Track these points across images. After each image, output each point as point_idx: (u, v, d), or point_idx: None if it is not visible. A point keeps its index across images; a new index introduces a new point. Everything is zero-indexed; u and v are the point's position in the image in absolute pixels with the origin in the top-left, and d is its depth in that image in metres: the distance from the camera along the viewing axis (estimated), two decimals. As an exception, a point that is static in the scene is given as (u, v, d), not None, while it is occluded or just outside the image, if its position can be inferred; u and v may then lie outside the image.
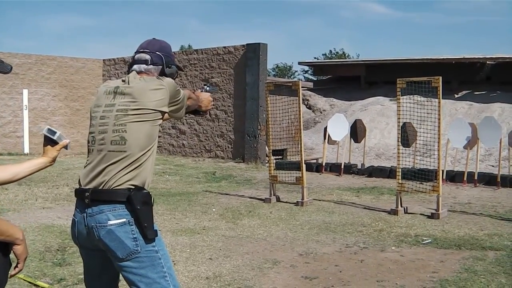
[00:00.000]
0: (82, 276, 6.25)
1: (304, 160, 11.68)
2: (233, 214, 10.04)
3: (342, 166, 15.93)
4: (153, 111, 3.35)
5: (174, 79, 3.68)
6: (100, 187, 3.30)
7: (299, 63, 32.34)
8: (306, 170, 12.01)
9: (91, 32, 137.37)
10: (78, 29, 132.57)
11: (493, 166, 16.44)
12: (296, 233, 8.62)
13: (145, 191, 3.34)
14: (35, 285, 5.95)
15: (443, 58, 24.20)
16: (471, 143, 13.99)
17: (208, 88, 4.23)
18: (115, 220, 3.25)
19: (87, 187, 3.35)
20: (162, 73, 3.59)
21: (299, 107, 11.40)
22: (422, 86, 10.56)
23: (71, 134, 22.92)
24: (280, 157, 18.23)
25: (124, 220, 3.26)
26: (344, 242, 8.07)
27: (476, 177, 13.60)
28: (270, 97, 12.17)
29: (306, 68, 52.58)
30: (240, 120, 18.93)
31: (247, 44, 18.91)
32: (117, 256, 3.28)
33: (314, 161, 17.94)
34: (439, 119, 9.92)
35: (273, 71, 59.67)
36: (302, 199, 11.09)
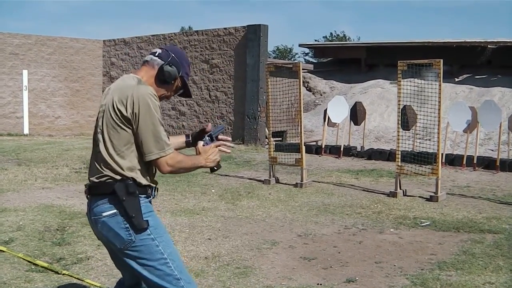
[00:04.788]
0: (81, 256, 6.33)
1: (304, 142, 11.68)
2: (232, 195, 10.06)
3: (342, 149, 15.93)
4: (116, 117, 3.40)
5: (172, 86, 3.67)
6: (93, 182, 3.47)
7: (300, 45, 32.17)
8: (306, 152, 12.00)
9: (90, 14, 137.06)
10: (77, 10, 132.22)
11: (492, 150, 16.45)
12: (295, 215, 8.64)
13: (129, 181, 3.40)
14: (34, 264, 5.97)
15: (444, 42, 24.10)
16: (471, 126, 13.99)
17: (208, 140, 3.80)
18: (107, 212, 3.39)
19: (88, 182, 3.56)
20: (161, 69, 3.57)
21: (300, 89, 11.38)
22: (423, 69, 10.55)
23: (70, 115, 22.93)
24: (279, 139, 18.23)
25: (115, 211, 3.39)
26: (342, 223, 8.09)
27: (475, 161, 13.61)
28: (270, 79, 12.15)
29: (307, 50, 52.52)
30: (240, 101, 18.90)
31: (247, 26, 18.83)
32: (116, 246, 3.42)
33: (314, 143, 17.95)
34: (439, 102, 9.91)
35: (273, 53, 59.53)
36: (301, 180, 11.11)
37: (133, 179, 3.41)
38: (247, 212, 8.81)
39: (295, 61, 38.69)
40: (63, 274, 5.70)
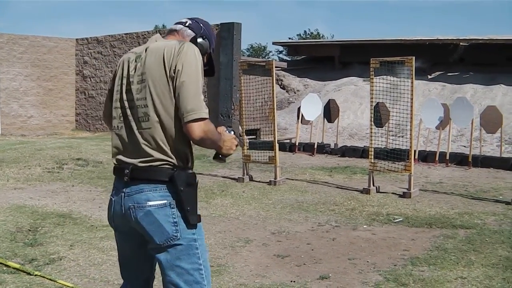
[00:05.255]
0: (53, 256, 6.25)
1: (278, 140, 11.71)
2: (206, 193, 10.03)
3: (315, 146, 15.97)
4: (168, 79, 3.03)
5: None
6: (138, 166, 3.07)
7: (273, 43, 32.29)
8: (280, 150, 12.02)
9: (63, 12, 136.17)
10: (50, 9, 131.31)
11: (464, 146, 16.56)
12: (269, 212, 8.65)
13: (190, 171, 3.10)
14: (6, 265, 5.91)
15: (417, 39, 24.25)
16: (443, 123, 14.09)
17: (232, 132, 3.46)
18: (155, 201, 3.02)
19: (126, 164, 3.12)
20: (193, 41, 3.27)
21: (273, 87, 11.39)
22: (397, 66, 10.61)
23: (43, 114, 22.75)
24: (253, 136, 18.23)
25: (165, 201, 3.02)
26: (316, 220, 8.11)
27: (448, 157, 13.70)
28: (243, 77, 12.15)
29: (281, 48, 52.57)
30: (214, 99, 18.87)
31: (221, 24, 18.82)
32: (153, 241, 3.06)
33: (288, 141, 17.97)
34: (411, 99, 9.97)
35: (247, 51, 59.55)
36: (275, 178, 11.12)
37: (189, 165, 3.12)
38: (221, 210, 8.80)
39: (269, 59, 38.80)
40: (35, 275, 5.65)
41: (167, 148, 3.03)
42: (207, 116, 3.01)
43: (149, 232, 3.03)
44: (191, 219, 3.05)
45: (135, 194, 3.05)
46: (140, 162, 3.05)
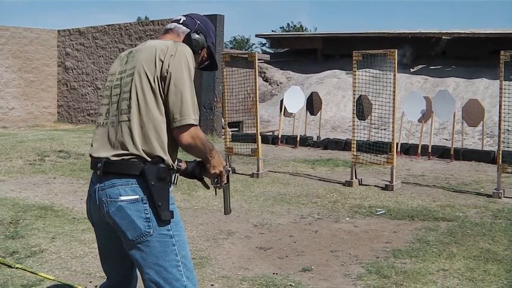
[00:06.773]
0: (35, 249, 6.20)
1: (260, 132, 11.70)
2: (188, 185, 10.00)
3: (298, 139, 16.00)
4: (155, 76, 3.02)
5: (198, 56, 3.35)
6: (110, 160, 3.03)
7: (256, 36, 32.22)
8: (262, 142, 12.02)
9: (45, 3, 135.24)
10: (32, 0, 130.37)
11: (446, 139, 16.67)
12: (251, 205, 8.64)
13: (162, 165, 3.01)
14: (-14, 257, 5.87)
15: (400, 32, 24.33)
16: (426, 116, 14.15)
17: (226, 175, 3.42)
18: (126, 196, 2.97)
19: (100, 158, 3.08)
20: (188, 37, 3.27)
21: (255, 79, 11.37)
22: (379, 59, 10.62)
23: (25, 106, 22.57)
24: (236, 129, 18.22)
25: (137, 197, 2.98)
26: (298, 213, 8.11)
27: (430, 150, 13.77)
28: (226, 69, 12.11)
29: (264, 41, 52.67)
30: (197, 92, 18.60)
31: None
32: (126, 237, 3.00)
33: (270, 133, 17.98)
34: (394, 92, 9.98)
35: (230, 43, 59.55)
36: (258, 170, 11.11)
37: (165, 162, 3.02)
38: (203, 202, 8.78)
39: (252, 51, 38.75)
40: (17, 268, 5.59)
41: (140, 143, 2.98)
42: (196, 123, 3.02)
43: (121, 227, 2.98)
44: (162, 215, 2.99)
45: (108, 188, 3.00)
46: (113, 155, 3.01)
